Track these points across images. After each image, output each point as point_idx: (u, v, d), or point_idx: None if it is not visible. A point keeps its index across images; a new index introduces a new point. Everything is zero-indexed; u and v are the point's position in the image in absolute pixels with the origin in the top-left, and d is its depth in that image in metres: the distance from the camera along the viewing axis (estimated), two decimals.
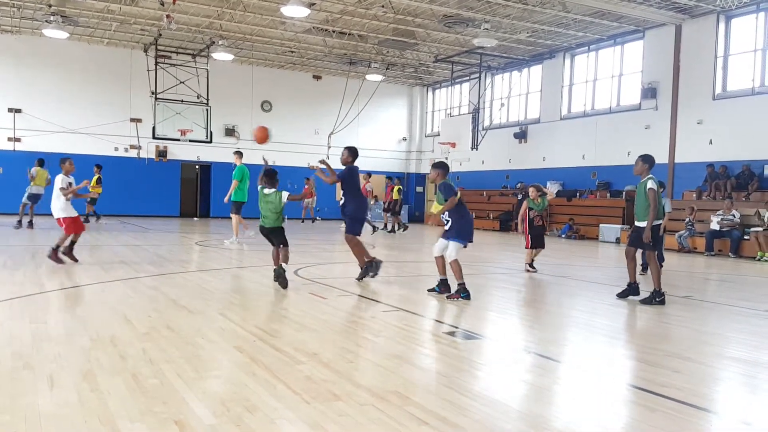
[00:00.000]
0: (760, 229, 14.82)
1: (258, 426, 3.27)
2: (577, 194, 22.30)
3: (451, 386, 4.10)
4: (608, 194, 21.24)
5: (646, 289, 8.11)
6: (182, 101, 23.93)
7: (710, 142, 18.64)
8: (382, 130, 31.67)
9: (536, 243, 10.71)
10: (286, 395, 3.76)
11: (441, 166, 7.89)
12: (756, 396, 4.33)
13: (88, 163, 25.56)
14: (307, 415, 3.44)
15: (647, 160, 7.79)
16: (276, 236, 8.09)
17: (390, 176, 23.44)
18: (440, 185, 7.80)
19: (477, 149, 24.62)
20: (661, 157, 19.83)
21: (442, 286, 7.81)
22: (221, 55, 24.23)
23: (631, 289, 8.02)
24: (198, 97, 24.35)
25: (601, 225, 19.88)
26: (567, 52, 23.79)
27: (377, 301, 7.39)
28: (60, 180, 9.45)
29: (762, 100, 17.41)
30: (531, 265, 10.79)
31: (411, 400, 3.72)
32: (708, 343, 5.84)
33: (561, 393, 4.20)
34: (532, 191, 10.96)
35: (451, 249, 7.63)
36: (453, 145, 25.07)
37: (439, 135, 27.55)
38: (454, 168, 29.45)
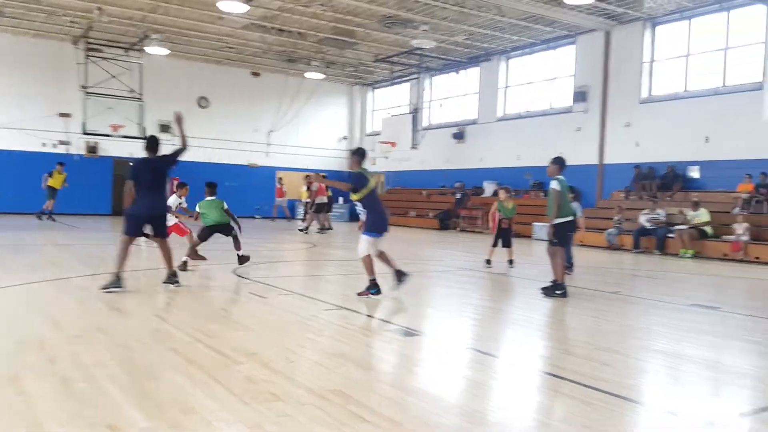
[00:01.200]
0: (684, 227, 15.58)
1: (195, 428, 3.22)
2: (513, 194, 22.81)
3: (392, 383, 4.14)
4: (542, 194, 21.84)
5: (571, 285, 8.40)
6: (114, 96, 23.15)
7: (637, 144, 19.44)
8: (323, 129, 31.51)
9: (500, 243, 11.46)
10: (224, 396, 3.70)
11: (356, 153, 7.61)
12: (680, 387, 4.55)
13: (12, 160, 24.33)
14: (246, 416, 3.40)
15: (557, 161, 8.28)
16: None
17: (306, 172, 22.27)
18: (352, 173, 7.50)
19: (417, 149, 24.85)
20: (590, 158, 20.61)
21: (394, 282, 7.60)
22: (156, 50, 23.55)
23: (556, 287, 8.29)
24: (131, 92, 23.59)
25: (534, 223, 20.42)
26: (503, 55, 24.31)
27: (319, 300, 7.36)
28: (173, 199, 10.56)
29: (685, 104, 18.29)
30: (488, 261, 11.43)
31: (352, 399, 3.73)
32: (635, 337, 6.10)
33: (498, 388, 4.30)
34: (501, 193, 11.66)
35: (361, 244, 7.44)
36: (393, 144, 25.23)
37: (379, 134, 27.66)
38: (394, 167, 29.72)
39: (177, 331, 5.39)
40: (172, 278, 7.67)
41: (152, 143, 7.69)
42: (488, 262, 11.46)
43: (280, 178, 27.51)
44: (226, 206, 9.56)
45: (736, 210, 15.70)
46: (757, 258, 14.21)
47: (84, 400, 3.55)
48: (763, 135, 16.05)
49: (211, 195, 9.63)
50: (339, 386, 3.97)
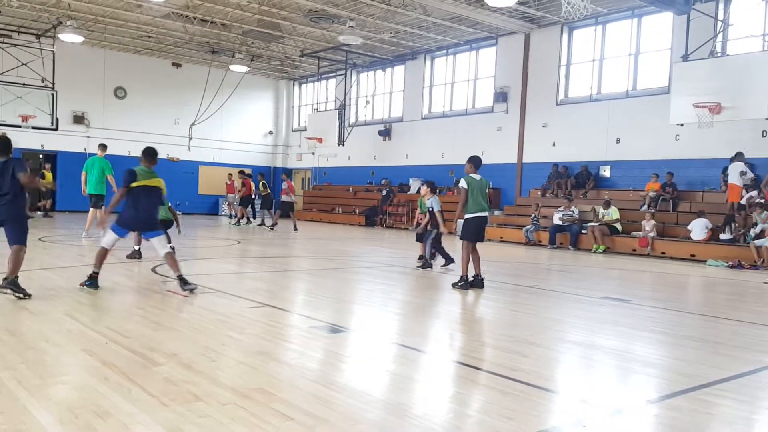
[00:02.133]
0: (596, 224, 16.33)
1: None
2: (437, 191, 23.22)
3: (317, 380, 4.14)
4: None
5: (492, 280, 8.64)
6: (24, 84, 21.88)
7: (553, 144, 20.21)
8: (248, 123, 30.94)
9: (420, 239, 11.58)
10: (142, 399, 3.59)
11: (143, 152, 7.62)
12: (592, 377, 4.77)
13: None
14: (164, 418, 3.31)
15: (471, 160, 8.78)
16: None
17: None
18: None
19: (343, 145, 24.86)
20: (510, 158, 21.27)
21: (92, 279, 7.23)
22: (69, 37, 22.39)
23: (475, 281, 8.54)
24: (42, 81, 22.36)
25: (458, 220, 20.87)
26: (427, 55, 24.66)
27: (242, 297, 7.24)
28: None
29: (598, 106, 19.17)
30: (420, 258, 11.47)
31: (276, 397, 3.70)
32: (551, 329, 6.36)
33: (421, 381, 4.38)
34: (422, 189, 11.84)
35: (105, 236, 7.43)
36: (320, 140, 25.12)
37: (305, 130, 27.46)
38: (321, 163, 29.58)
39: (91, 332, 5.17)
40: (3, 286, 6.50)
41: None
42: (421, 258, 11.55)
43: (230, 174, 25.93)
44: (169, 204, 9.51)
45: (644, 208, 16.63)
46: (663, 253, 15.09)
47: None
48: (669, 137, 17.06)
49: None
50: (263, 385, 3.93)
